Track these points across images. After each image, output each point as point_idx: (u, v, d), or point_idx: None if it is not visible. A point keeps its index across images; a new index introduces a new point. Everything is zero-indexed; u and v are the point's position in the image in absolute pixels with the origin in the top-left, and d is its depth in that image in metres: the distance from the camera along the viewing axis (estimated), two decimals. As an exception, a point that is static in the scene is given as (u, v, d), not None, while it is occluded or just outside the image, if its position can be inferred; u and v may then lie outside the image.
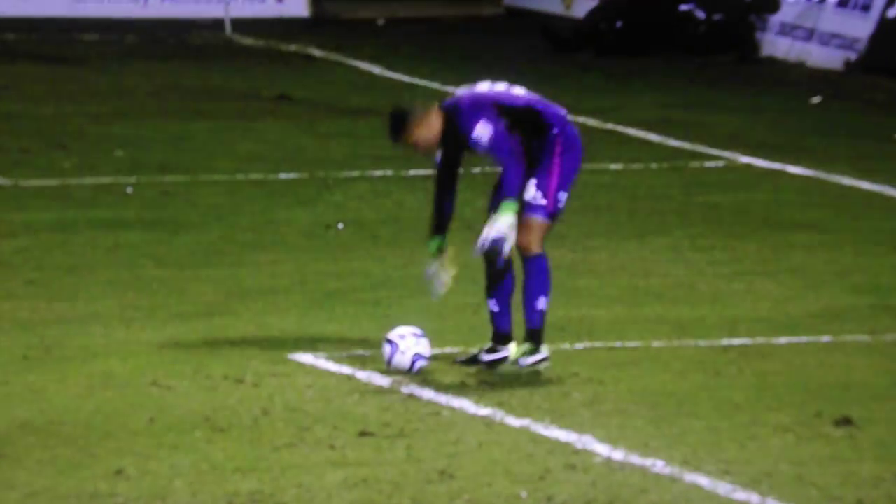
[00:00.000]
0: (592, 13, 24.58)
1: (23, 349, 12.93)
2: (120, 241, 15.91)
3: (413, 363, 12.60)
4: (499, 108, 12.64)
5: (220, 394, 12.13)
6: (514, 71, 23.54)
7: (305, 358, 12.83)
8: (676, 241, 16.13)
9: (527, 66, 23.55)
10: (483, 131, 12.62)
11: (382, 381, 12.32)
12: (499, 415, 11.45)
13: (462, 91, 12.82)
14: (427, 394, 11.98)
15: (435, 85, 22.37)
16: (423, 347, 12.65)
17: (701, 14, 23.86)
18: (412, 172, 18.29)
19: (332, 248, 15.87)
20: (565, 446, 10.90)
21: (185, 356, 12.89)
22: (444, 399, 11.83)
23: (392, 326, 12.89)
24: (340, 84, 22.39)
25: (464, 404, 11.68)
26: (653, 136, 20.01)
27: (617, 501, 10.03)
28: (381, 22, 25.91)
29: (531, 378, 12.24)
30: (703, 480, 10.29)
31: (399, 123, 12.74)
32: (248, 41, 24.47)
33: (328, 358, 12.84)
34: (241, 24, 25.47)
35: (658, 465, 10.51)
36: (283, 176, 18.26)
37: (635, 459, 10.64)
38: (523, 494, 10.07)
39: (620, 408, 11.60)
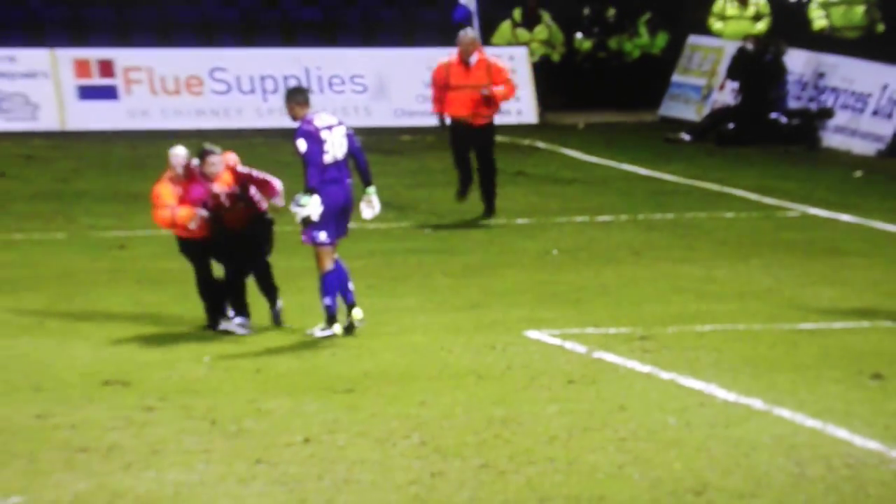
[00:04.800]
0: (712, 116, 24.35)
1: (372, 326, 12.73)
2: (421, 260, 15.90)
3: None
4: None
5: (481, 355, 12.02)
6: (669, 151, 23.60)
7: (535, 335, 12.66)
8: (768, 262, 15.90)
9: (672, 150, 23.45)
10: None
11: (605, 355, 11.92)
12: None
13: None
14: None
15: (611, 163, 22.22)
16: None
17: (784, 120, 23.64)
18: (599, 219, 18.24)
19: (549, 267, 15.80)
20: None
21: (462, 333, 12.75)
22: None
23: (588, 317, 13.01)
24: (556, 164, 22.35)
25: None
26: (752, 196, 19.75)
27: None
28: (581, 125, 25.83)
29: None
30: None
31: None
32: (500, 138, 24.45)
33: (550, 335, 12.64)
34: (496, 128, 25.34)
35: None
36: (518, 221, 18.28)
37: None
38: None
39: None
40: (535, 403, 10.66)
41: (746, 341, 12.42)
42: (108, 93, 23.24)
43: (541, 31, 25.65)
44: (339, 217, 12.29)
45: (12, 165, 20.50)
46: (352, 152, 12.39)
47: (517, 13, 25.59)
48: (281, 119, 25.28)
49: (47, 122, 23.14)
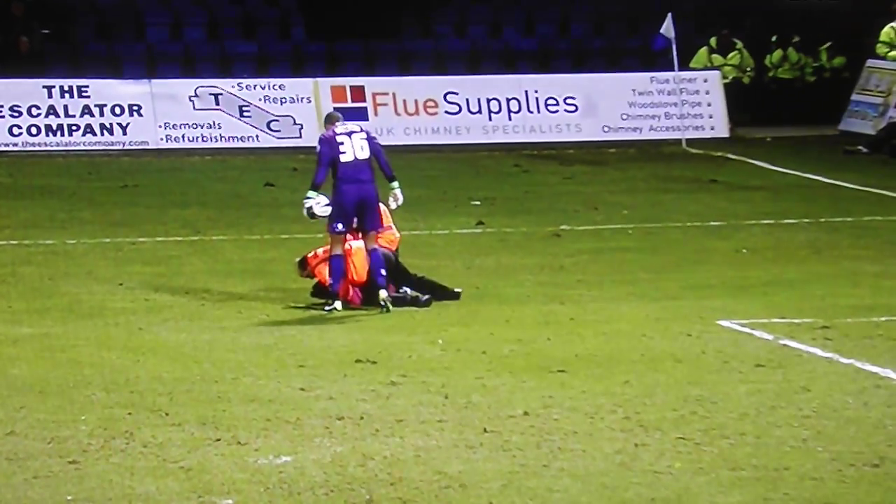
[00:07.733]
0: (887, 130, 23.79)
1: (581, 315, 12.65)
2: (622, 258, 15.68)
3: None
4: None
5: (678, 341, 11.74)
6: (847, 161, 23.02)
7: (727, 323, 12.40)
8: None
9: (850, 160, 22.77)
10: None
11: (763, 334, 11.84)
12: None
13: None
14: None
15: (795, 172, 21.66)
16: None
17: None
18: (784, 221, 17.77)
19: (739, 264, 15.54)
20: None
21: (661, 322, 12.36)
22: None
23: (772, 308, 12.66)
24: (745, 173, 21.91)
25: None
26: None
27: None
28: (768, 139, 25.32)
29: None
30: None
31: None
32: (695, 150, 24.13)
33: (740, 324, 12.31)
34: (691, 141, 25.11)
35: None
36: (712, 223, 17.96)
37: None
38: None
39: None
40: (726, 384, 10.48)
41: (918, 331, 12.10)
42: (360, 114, 23.55)
43: (733, 57, 25.85)
44: (356, 212, 12.42)
45: (280, 177, 20.96)
46: (373, 153, 12.55)
47: (713, 41, 25.84)
48: (504, 135, 25.55)
49: (310, 139, 23.37)
